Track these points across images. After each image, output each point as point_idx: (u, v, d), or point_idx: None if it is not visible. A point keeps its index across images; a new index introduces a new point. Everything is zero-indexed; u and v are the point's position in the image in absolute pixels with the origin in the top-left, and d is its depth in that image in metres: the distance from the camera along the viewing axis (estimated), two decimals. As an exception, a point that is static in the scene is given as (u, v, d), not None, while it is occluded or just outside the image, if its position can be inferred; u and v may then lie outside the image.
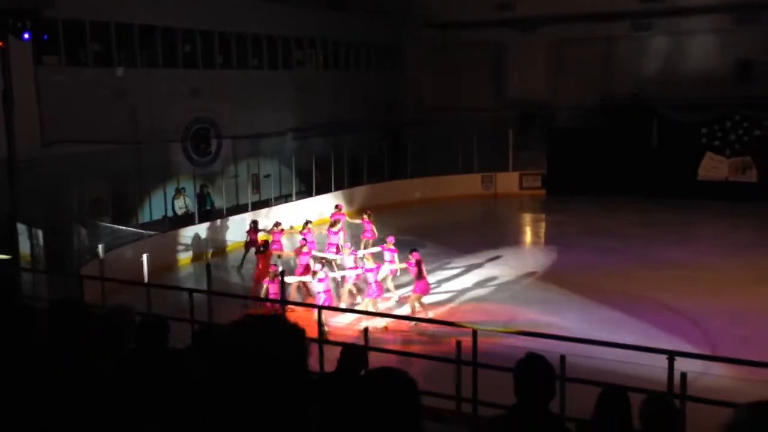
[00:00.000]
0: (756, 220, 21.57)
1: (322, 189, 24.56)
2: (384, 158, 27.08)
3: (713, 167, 25.77)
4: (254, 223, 18.51)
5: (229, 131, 23.46)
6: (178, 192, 20.90)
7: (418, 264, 13.60)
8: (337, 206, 19.71)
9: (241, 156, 23.62)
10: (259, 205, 22.44)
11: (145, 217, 20.40)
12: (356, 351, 5.69)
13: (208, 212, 21.09)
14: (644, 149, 26.14)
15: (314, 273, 13.21)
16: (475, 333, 8.15)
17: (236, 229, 20.28)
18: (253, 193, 22.92)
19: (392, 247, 15.19)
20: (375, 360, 8.91)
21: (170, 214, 20.57)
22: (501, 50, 30.99)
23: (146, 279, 14.12)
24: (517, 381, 3.73)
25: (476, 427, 7.01)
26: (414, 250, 14.06)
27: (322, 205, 24.11)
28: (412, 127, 30.08)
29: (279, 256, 16.91)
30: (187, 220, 20.13)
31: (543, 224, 24.89)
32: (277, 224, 17.46)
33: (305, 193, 24.41)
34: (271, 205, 22.58)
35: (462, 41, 30.57)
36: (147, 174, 19.75)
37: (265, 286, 13.37)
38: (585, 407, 4.86)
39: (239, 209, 21.66)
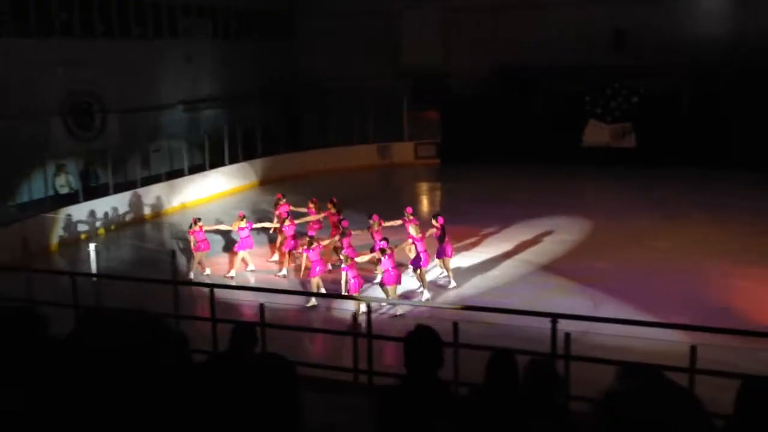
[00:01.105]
0: (634, 184, 22.76)
1: (217, 163, 24.00)
2: (279, 130, 26.71)
3: (596, 134, 26.97)
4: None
5: (115, 105, 22.42)
6: (60, 169, 19.85)
7: (443, 228, 13.98)
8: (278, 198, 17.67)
9: (129, 130, 22.65)
10: (149, 180, 21.68)
11: (23, 197, 19.30)
12: (246, 329, 5.60)
13: (93, 189, 20.17)
14: (532, 117, 27.00)
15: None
16: (369, 305, 8.21)
17: (124, 205, 19.52)
18: (142, 168, 22.07)
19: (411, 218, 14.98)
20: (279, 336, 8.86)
21: (51, 192, 19.51)
22: (394, 19, 31.01)
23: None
24: (406, 352, 3.78)
25: (370, 397, 7.09)
26: (438, 215, 14.29)
27: (217, 180, 23.60)
28: (307, 98, 29.76)
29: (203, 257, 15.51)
30: (71, 198, 19.19)
31: (438, 192, 25.33)
32: (195, 221, 15.49)
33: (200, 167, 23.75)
34: (163, 181, 21.87)
35: (355, 10, 30.37)
36: (24, 151, 18.59)
37: (304, 255, 13.80)
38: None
39: (128, 186, 20.84)
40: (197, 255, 15.02)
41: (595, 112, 26.93)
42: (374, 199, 22.98)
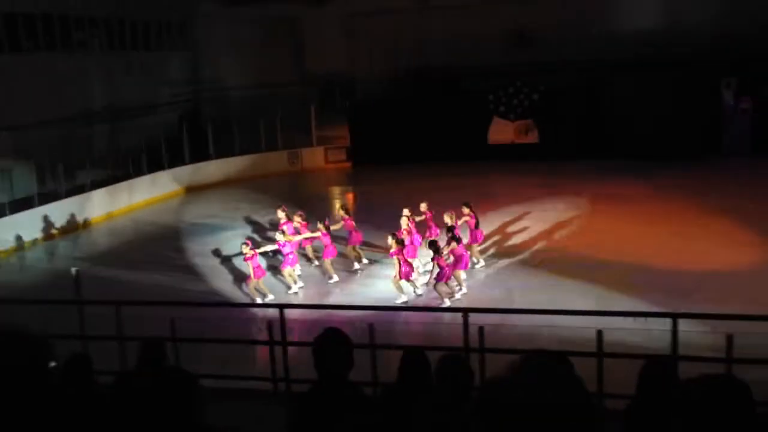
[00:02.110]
0: (538, 178, 23.43)
1: (121, 177, 23.24)
2: (184, 141, 26.11)
3: (500, 131, 27.67)
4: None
5: (5, 121, 21.30)
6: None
7: (475, 215, 14.45)
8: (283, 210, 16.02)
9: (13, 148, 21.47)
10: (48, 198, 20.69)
11: None
12: (152, 345, 5.44)
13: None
14: (440, 117, 27.44)
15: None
16: (281, 310, 8.14)
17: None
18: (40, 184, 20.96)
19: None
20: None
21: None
22: (297, 25, 30.89)
23: None
24: (315, 356, 3.76)
25: (289, 403, 7.02)
26: (467, 203, 14.67)
27: (121, 195, 22.84)
28: (211, 107, 29.24)
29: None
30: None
31: (350, 196, 25.35)
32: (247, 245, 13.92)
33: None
34: (64, 197, 20.94)
35: (257, 16, 30.05)
36: None
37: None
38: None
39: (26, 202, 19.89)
40: (257, 282, 13.43)
41: (499, 110, 27.61)
42: (293, 203, 22.75)
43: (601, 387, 7.27)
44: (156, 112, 26.77)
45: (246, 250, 13.20)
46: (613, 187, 21.31)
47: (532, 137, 27.40)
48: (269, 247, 14.61)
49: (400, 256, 12.59)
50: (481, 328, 7.78)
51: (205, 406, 2.47)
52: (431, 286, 12.61)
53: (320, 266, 15.00)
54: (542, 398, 1.53)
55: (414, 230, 14.20)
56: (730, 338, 6.97)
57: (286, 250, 13.73)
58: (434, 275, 12.52)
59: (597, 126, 25.92)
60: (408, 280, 12.71)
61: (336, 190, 25.92)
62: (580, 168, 24.13)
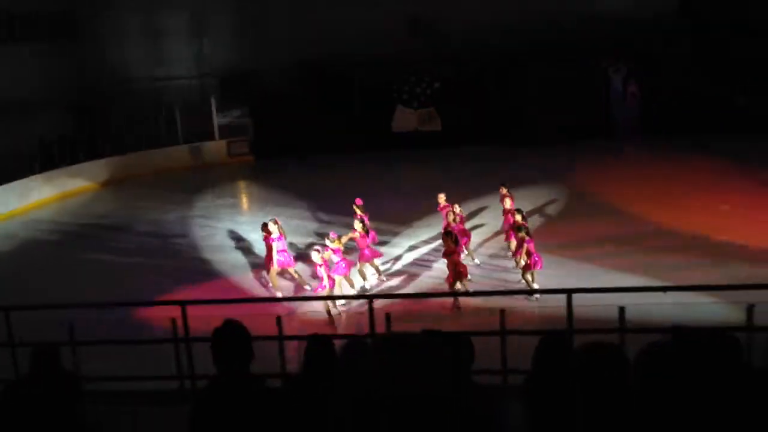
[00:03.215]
0: (441, 165, 23.80)
1: (12, 177, 22.02)
2: (76, 138, 24.99)
3: (404, 120, 27.95)
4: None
5: None
6: None
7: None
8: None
9: None
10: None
11: None
12: (43, 351, 5.18)
13: None
14: (343, 108, 27.42)
15: None
16: (183, 308, 7.95)
17: None
18: None
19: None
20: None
21: None
22: (197, 15, 29.97)
23: None
24: (213, 349, 3.69)
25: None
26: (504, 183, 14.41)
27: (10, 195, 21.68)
28: (108, 101, 28.04)
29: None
30: None
31: (255, 189, 24.99)
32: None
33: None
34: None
35: (154, 5, 28.95)
36: None
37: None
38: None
39: None
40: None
41: (402, 99, 27.87)
42: (187, 202, 22.22)
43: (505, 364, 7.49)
44: (47, 108, 25.43)
45: (273, 228, 12.64)
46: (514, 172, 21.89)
47: (435, 125, 27.81)
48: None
49: (455, 256, 11.63)
50: (387, 315, 7.86)
51: (91, 410, 2.36)
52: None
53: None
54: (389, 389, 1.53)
55: None
56: (622, 309, 7.33)
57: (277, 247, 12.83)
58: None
59: (500, 113, 26.54)
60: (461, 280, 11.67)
61: (239, 184, 25.48)
62: (484, 154, 24.66)
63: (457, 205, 13.73)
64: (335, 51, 27.07)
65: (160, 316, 8.70)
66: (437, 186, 19.95)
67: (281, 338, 8.18)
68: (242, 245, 16.62)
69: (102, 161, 25.56)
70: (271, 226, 12.75)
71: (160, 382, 8.62)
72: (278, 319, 8.24)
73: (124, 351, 9.11)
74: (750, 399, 2.13)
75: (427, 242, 15.48)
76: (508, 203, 13.89)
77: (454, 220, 12.95)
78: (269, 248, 12.82)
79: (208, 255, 16.05)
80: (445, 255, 11.70)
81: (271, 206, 20.59)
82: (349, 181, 22.55)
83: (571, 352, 4.05)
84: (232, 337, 3.73)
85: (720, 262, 12.58)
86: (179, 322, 8.16)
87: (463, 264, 11.77)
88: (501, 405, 4.04)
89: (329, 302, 10.99)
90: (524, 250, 11.77)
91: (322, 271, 11.49)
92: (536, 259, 11.69)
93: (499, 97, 26.80)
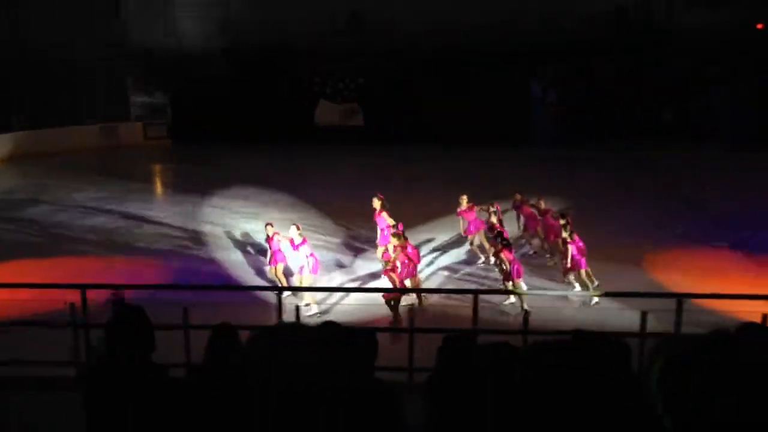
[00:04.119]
0: (363, 160, 23.81)
1: None
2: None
3: (327, 113, 27.83)
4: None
5: None
6: None
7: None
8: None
9: None
10: None
11: None
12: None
13: None
14: (267, 97, 27.05)
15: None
16: (84, 292, 7.67)
17: None
18: None
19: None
20: None
21: None
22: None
23: None
24: (110, 336, 3.56)
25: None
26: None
27: None
28: (19, 74, 26.66)
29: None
30: None
31: (170, 174, 24.38)
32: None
33: None
34: None
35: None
36: None
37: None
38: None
39: None
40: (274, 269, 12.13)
41: (325, 92, 27.75)
42: (96, 182, 21.42)
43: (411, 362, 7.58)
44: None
45: (269, 230, 11.90)
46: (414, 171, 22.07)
47: (358, 120, 27.83)
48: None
49: (508, 255, 11.31)
50: (297, 307, 7.84)
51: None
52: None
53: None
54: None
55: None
56: (527, 313, 7.54)
57: (273, 247, 12.09)
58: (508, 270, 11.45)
59: (418, 112, 26.75)
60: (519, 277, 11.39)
61: (154, 168, 24.79)
62: (406, 152, 24.79)
63: (496, 203, 13.55)
64: (261, 38, 26.64)
65: (54, 299, 8.36)
66: (354, 182, 20.02)
67: (187, 327, 8.01)
68: (147, 230, 16.17)
69: (8, 135, 24.36)
70: (293, 231, 11.80)
71: (56, 368, 8.29)
72: (185, 309, 8.07)
73: (17, 334, 8.70)
74: (628, 402, 2.22)
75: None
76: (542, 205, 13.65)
77: (499, 220, 12.75)
78: (275, 250, 12.09)
79: (110, 237, 15.55)
80: (496, 255, 11.59)
81: (181, 191, 20.14)
82: (265, 171, 22.31)
83: (473, 350, 4.12)
84: (132, 324, 3.61)
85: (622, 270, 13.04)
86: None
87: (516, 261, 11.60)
88: (402, 401, 4.08)
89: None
90: (568, 253, 11.75)
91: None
92: (577, 258, 11.70)
93: (422, 97, 27.02)
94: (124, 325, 3.58)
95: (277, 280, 11.96)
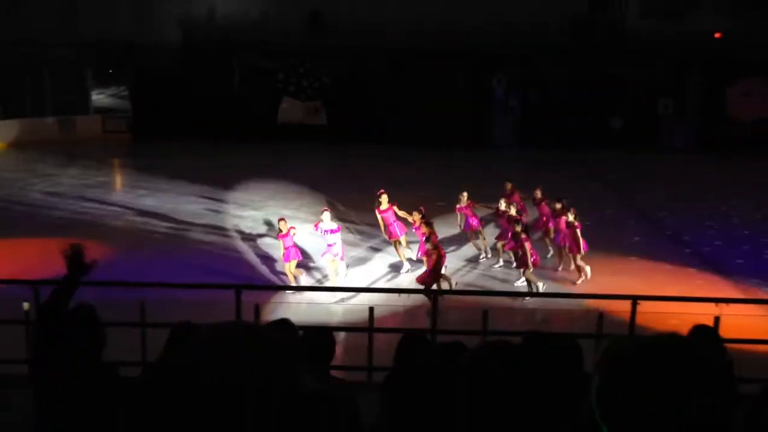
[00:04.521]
0: (327, 158, 23.80)
1: None
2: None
3: (290, 111, 27.71)
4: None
5: None
6: None
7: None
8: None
9: None
10: None
11: None
12: None
13: None
14: (229, 93, 26.83)
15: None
16: (36, 290, 7.53)
17: None
18: None
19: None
20: None
21: None
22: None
23: None
24: (58, 334, 3.52)
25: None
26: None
27: None
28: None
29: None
30: None
31: (130, 170, 24.00)
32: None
33: None
34: None
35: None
36: None
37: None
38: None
39: None
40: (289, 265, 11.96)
41: (289, 90, 27.63)
42: (52, 176, 21.01)
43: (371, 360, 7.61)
44: None
45: (283, 226, 11.81)
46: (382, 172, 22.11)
47: (321, 119, 27.76)
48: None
49: (528, 244, 11.67)
50: (257, 306, 7.80)
51: None
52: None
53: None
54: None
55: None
56: (485, 313, 7.61)
57: (287, 243, 11.97)
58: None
59: (387, 111, 26.78)
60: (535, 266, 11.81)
61: (114, 163, 24.39)
62: (368, 152, 24.81)
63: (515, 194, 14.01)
64: (224, 34, 26.45)
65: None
66: (316, 181, 19.98)
67: (145, 325, 7.91)
68: (106, 222, 15.93)
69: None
70: (327, 217, 12.17)
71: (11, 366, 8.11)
72: (142, 305, 7.97)
73: None
74: (575, 402, 2.27)
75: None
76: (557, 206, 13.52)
77: (518, 211, 12.98)
78: (289, 246, 12.02)
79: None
80: (518, 244, 11.76)
81: (143, 187, 19.88)
82: (225, 168, 22.13)
83: (427, 350, 4.17)
84: (82, 322, 3.57)
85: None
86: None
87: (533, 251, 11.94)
88: (359, 399, 4.11)
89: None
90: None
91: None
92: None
93: (385, 97, 27.08)
94: (72, 323, 3.54)
95: (290, 276, 11.96)
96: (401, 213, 12.79)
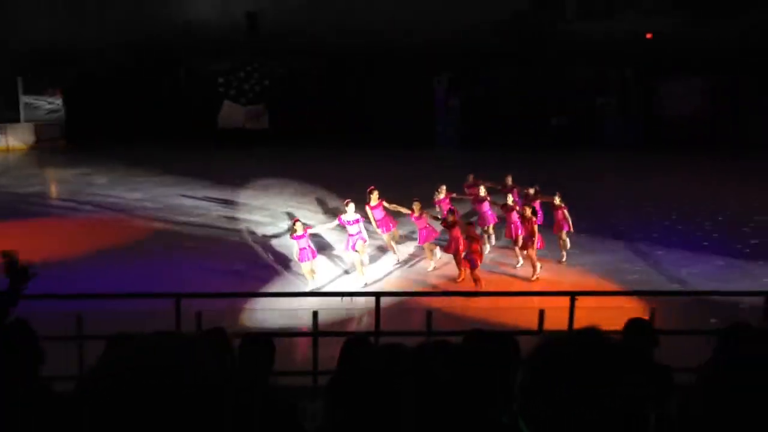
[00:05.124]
0: (269, 162, 23.56)
1: None
2: None
3: (231, 115, 27.41)
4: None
5: None
6: None
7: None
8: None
9: None
10: None
11: None
12: None
13: None
14: (169, 96, 26.40)
15: None
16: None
17: None
18: None
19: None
20: None
21: None
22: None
23: None
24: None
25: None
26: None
27: None
28: None
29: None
30: None
31: (68, 177, 23.35)
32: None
33: None
34: None
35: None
36: None
37: None
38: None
39: None
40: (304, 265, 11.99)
41: (230, 94, 27.32)
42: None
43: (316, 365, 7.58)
44: None
45: (299, 227, 11.75)
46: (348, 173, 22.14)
47: (263, 123, 27.55)
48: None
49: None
50: (198, 313, 7.68)
51: None
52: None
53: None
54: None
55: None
56: (429, 314, 7.67)
57: (301, 244, 11.96)
58: None
59: (329, 113, 26.78)
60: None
61: (50, 172, 23.68)
62: (310, 154, 24.72)
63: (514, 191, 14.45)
64: (166, 37, 25.98)
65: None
66: (261, 186, 19.84)
67: (81, 338, 7.71)
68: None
69: None
70: (351, 208, 12.65)
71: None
72: (78, 316, 7.76)
73: None
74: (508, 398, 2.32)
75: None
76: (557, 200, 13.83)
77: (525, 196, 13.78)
78: (304, 248, 11.99)
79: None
80: (530, 226, 12.39)
81: (82, 194, 19.41)
82: (162, 175, 21.76)
83: (369, 353, 4.18)
84: (16, 338, 3.46)
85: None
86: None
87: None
88: (302, 404, 4.09)
89: None
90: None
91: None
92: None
93: (327, 99, 27.06)
94: (5, 340, 3.43)
95: (308, 276, 12.02)
96: (392, 207, 13.40)
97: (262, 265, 13.42)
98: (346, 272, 12.79)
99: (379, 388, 3.09)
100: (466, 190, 15.05)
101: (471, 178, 15.18)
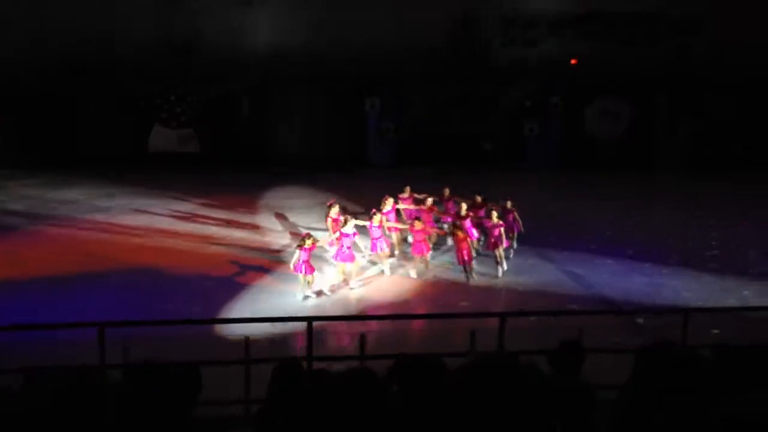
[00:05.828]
0: (199, 188, 23.13)
1: None
2: None
3: (162, 139, 26.92)
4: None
5: None
6: None
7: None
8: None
9: None
10: None
11: None
12: None
13: None
14: (97, 118, 25.82)
15: None
16: None
17: None
18: None
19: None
20: None
21: None
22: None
23: None
24: None
25: None
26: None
27: None
28: None
29: None
30: None
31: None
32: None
33: None
34: None
35: None
36: None
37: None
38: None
39: None
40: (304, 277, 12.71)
41: (161, 117, 26.85)
42: None
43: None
44: None
45: (308, 242, 12.55)
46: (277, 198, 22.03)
47: (193, 146, 27.13)
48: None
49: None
50: (123, 344, 7.46)
51: None
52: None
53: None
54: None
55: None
56: (362, 337, 7.65)
57: (303, 257, 12.76)
58: None
59: (259, 137, 26.63)
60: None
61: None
62: (243, 180, 24.41)
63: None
64: (93, 57, 25.29)
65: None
66: (188, 211, 19.54)
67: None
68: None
69: None
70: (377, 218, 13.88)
71: None
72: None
73: None
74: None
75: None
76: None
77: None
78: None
79: None
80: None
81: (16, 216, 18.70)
82: (94, 200, 21.19)
83: (299, 379, 4.15)
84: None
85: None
86: None
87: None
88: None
89: None
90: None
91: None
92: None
93: (259, 122, 26.90)
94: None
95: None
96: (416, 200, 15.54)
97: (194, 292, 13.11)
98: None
99: (309, 414, 3.07)
100: (444, 204, 15.89)
101: (447, 192, 16.07)
